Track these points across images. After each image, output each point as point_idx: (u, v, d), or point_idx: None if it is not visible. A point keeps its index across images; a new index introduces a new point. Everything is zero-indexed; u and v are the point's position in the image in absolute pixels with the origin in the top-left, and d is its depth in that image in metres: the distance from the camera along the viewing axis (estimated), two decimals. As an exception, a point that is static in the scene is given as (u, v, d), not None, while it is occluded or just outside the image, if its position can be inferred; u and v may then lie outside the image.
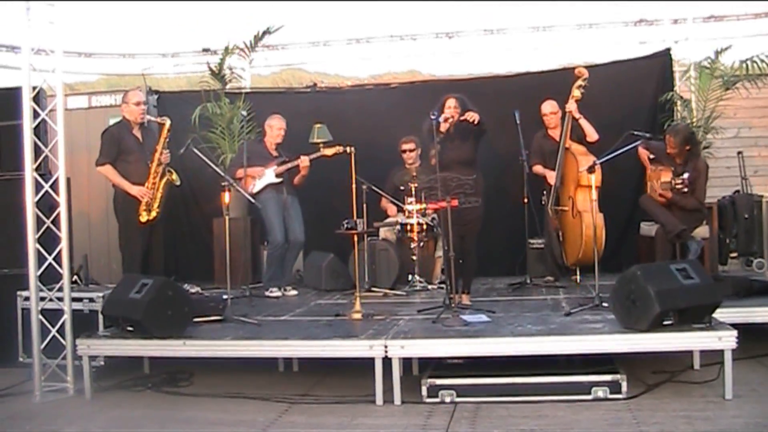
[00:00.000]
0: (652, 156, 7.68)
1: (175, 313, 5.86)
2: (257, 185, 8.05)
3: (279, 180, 8.04)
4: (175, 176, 7.39)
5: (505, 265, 8.71)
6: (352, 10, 12.18)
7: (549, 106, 8.18)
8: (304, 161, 8.02)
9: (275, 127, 8.23)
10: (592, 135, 7.93)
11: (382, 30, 11.13)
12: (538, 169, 8.20)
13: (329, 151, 7.83)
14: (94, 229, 9.34)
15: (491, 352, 5.37)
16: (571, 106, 7.86)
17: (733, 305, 5.80)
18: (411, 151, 8.55)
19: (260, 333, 6.02)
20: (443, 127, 6.53)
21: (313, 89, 10.45)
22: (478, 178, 6.63)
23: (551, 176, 8.06)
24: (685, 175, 7.09)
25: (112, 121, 7.88)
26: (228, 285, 6.68)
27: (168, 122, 7.40)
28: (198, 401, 5.69)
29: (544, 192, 8.12)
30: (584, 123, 7.92)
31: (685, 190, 7.08)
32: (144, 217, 7.20)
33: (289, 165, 8.06)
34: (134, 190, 7.18)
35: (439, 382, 5.35)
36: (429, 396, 5.32)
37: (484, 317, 6.08)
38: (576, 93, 7.85)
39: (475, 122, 6.55)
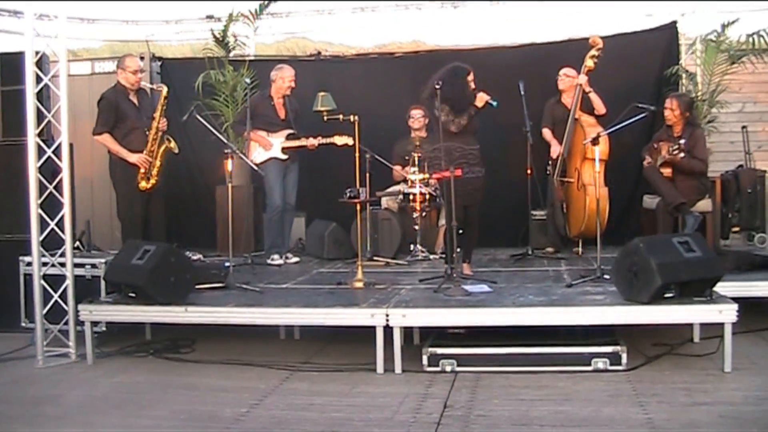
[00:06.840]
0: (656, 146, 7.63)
1: (177, 279, 5.87)
2: (262, 156, 7.99)
3: (285, 157, 8.01)
4: (173, 144, 7.31)
5: (508, 236, 8.70)
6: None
7: (566, 69, 8.18)
8: (312, 144, 7.99)
9: (287, 78, 8.10)
10: (600, 108, 7.91)
11: (387, -1, 11.04)
12: (547, 134, 8.19)
13: (339, 141, 7.79)
14: (97, 195, 9.32)
15: (492, 322, 5.39)
16: (582, 79, 7.84)
17: (734, 279, 5.81)
18: (417, 116, 8.49)
19: (262, 300, 6.04)
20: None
21: (318, 58, 10.39)
22: (480, 149, 6.66)
23: (555, 150, 8.05)
24: (681, 141, 7.11)
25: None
26: (230, 252, 6.69)
27: (165, 89, 7.27)
28: (200, 367, 5.73)
29: (549, 162, 8.11)
30: (594, 97, 7.89)
31: (682, 155, 7.06)
32: (143, 185, 7.12)
33: (298, 144, 8.02)
34: (133, 157, 7.08)
35: (440, 351, 5.38)
36: (430, 365, 5.35)
37: (485, 287, 6.10)
38: (589, 63, 7.80)
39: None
